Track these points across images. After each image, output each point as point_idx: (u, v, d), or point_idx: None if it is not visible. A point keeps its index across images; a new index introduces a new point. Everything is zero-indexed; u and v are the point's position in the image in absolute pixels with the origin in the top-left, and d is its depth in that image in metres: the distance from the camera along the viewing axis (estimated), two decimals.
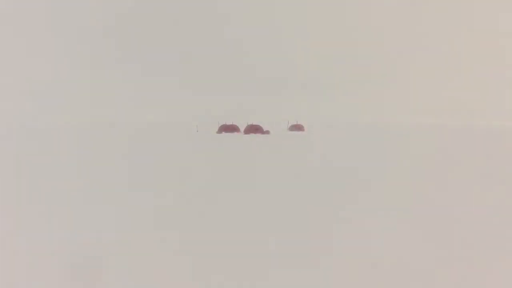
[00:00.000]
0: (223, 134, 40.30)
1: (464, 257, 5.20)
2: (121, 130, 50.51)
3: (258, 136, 35.54)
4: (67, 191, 9.66)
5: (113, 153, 20.26)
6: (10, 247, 5.59)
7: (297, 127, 48.66)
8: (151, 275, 4.59)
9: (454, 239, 5.97)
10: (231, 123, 43.73)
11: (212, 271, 4.68)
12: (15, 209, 8.03)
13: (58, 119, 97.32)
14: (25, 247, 5.57)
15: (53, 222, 6.84)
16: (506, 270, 4.83)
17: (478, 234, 6.26)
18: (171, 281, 4.41)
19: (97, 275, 4.64)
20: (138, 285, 4.33)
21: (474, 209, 7.98)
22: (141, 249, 5.45)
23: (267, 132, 40.72)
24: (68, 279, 4.51)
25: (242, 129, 42.03)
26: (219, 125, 43.83)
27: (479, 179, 11.93)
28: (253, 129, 40.16)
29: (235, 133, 40.72)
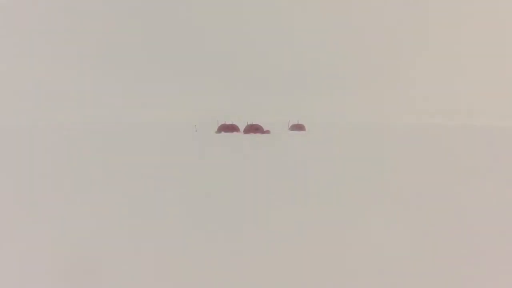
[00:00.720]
0: (223, 133, 40.19)
1: (464, 258, 5.13)
2: (119, 129, 50.47)
3: (258, 136, 35.43)
4: (63, 191, 9.60)
5: (110, 152, 20.19)
6: (5, 248, 5.51)
7: (298, 127, 48.54)
8: (150, 275, 4.50)
9: (453, 239, 5.90)
10: (231, 123, 43.68)
11: (211, 271, 4.59)
12: (11, 209, 7.95)
13: (56, 118, 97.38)
14: (18, 247, 5.48)
15: (51, 223, 6.76)
16: (506, 271, 4.75)
17: (478, 234, 6.20)
18: (170, 281, 4.32)
19: (95, 275, 4.55)
20: (137, 286, 4.24)
21: (474, 209, 7.92)
22: (140, 249, 5.37)
23: (267, 131, 40.63)
24: (63, 280, 4.42)
25: (241, 128, 41.92)
26: (219, 125, 43.77)
27: (479, 179, 11.86)
28: (253, 128, 39.99)
29: (235, 133, 40.61)
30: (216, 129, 42.86)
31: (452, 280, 4.51)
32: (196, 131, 44.43)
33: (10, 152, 20.52)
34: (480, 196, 9.22)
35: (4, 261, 5.02)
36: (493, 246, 5.66)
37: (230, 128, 41.58)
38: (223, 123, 44.37)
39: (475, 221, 7.00)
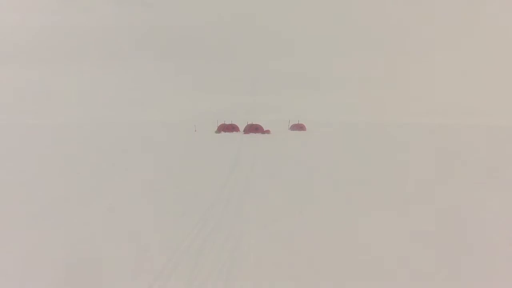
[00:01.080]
0: (222, 133, 40.12)
1: (464, 257, 5.12)
2: (118, 129, 50.44)
3: (258, 136, 35.39)
4: (63, 190, 9.60)
5: (110, 152, 20.18)
6: (5, 248, 5.51)
7: (299, 127, 48.35)
8: (150, 274, 4.50)
9: (454, 239, 5.89)
10: (231, 122, 43.58)
11: (211, 271, 4.59)
12: (11, 209, 7.96)
13: (56, 118, 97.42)
14: (18, 247, 5.48)
15: (51, 223, 6.76)
16: (506, 271, 4.75)
17: (478, 234, 6.20)
18: (170, 281, 4.32)
19: (95, 275, 4.54)
20: (137, 285, 4.23)
21: (475, 209, 7.92)
22: (140, 249, 5.37)
23: (268, 131, 40.50)
24: (64, 279, 4.41)
25: (241, 128, 41.85)
26: (218, 125, 43.68)
27: (479, 179, 11.87)
28: (253, 128, 39.87)
29: (235, 133, 40.53)
30: (215, 128, 42.76)
31: (452, 279, 4.50)
32: (195, 130, 44.32)
33: (10, 152, 20.52)
34: (480, 196, 9.21)
35: (4, 261, 5.01)
36: (494, 245, 5.66)
37: (230, 127, 41.48)
38: (222, 122, 44.27)
39: (475, 220, 6.99)
